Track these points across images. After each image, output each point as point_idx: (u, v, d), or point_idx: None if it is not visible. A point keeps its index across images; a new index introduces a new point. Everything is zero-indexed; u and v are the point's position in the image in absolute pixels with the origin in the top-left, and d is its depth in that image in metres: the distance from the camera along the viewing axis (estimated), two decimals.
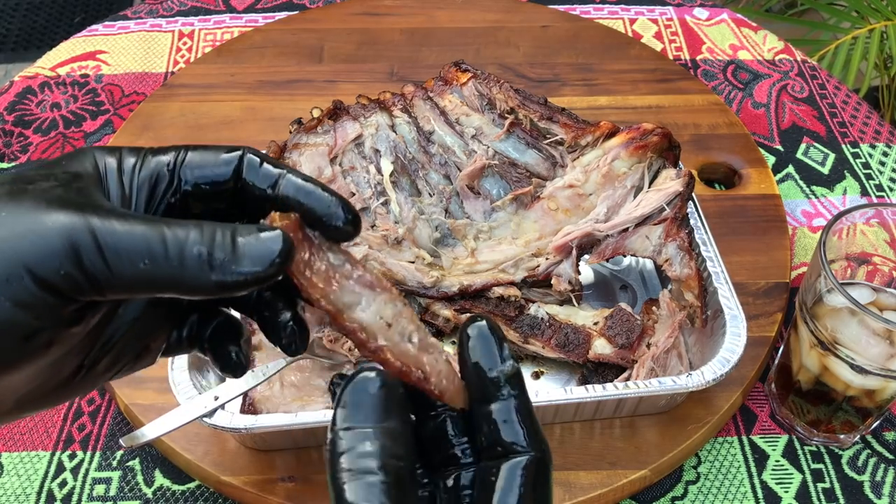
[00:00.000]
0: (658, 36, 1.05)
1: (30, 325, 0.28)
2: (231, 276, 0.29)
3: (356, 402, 0.30)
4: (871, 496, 0.62)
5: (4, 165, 0.88)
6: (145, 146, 0.34)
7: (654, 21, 1.07)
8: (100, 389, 0.68)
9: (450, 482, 0.32)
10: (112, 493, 0.61)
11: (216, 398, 0.55)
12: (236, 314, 0.38)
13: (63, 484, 0.62)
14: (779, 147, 0.90)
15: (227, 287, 0.29)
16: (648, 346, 0.63)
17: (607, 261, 0.67)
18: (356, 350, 0.65)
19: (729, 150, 0.86)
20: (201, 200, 0.33)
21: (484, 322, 0.33)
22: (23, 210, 0.28)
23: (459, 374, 0.33)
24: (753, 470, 0.63)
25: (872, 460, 0.64)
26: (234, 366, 0.36)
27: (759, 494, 0.62)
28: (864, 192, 0.85)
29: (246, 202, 0.33)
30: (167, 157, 0.33)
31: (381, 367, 0.31)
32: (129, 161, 0.32)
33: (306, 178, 0.33)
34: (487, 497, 0.31)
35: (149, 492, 0.61)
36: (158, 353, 0.36)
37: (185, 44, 1.03)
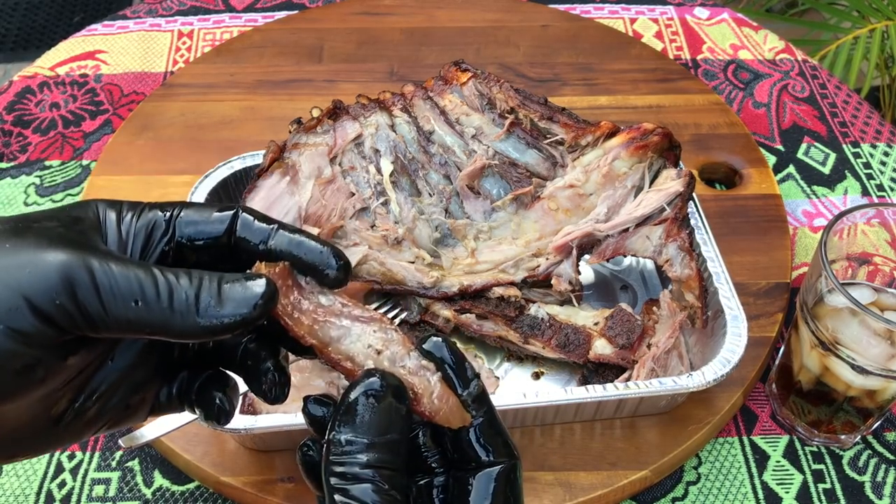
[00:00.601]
0: (658, 35, 1.04)
1: (26, 354, 0.29)
2: (216, 318, 0.30)
3: (363, 413, 0.31)
4: (872, 497, 0.61)
5: (4, 165, 0.87)
6: (144, 202, 0.35)
7: (655, 21, 1.07)
8: None
9: (421, 483, 0.35)
10: (111, 493, 0.61)
11: None
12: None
13: (62, 484, 0.62)
14: (779, 147, 0.90)
15: (212, 330, 0.30)
16: (649, 346, 0.63)
17: (607, 261, 0.67)
18: None
19: (729, 149, 0.86)
20: (195, 252, 0.35)
21: (442, 343, 0.34)
22: (25, 245, 0.30)
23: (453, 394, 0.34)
24: (754, 470, 0.63)
25: (873, 461, 0.64)
26: (218, 412, 0.37)
27: (760, 495, 0.61)
28: (865, 192, 0.85)
29: (240, 255, 0.35)
30: (165, 212, 0.35)
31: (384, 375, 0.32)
32: (129, 212, 0.34)
33: (296, 230, 0.35)
34: (463, 499, 0.33)
35: (148, 492, 0.61)
36: (147, 407, 0.37)
37: (184, 43, 1.03)
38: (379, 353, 0.33)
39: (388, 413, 0.31)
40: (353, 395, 0.31)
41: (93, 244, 0.31)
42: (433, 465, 0.35)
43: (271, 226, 0.35)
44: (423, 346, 0.34)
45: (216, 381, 0.38)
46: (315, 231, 0.65)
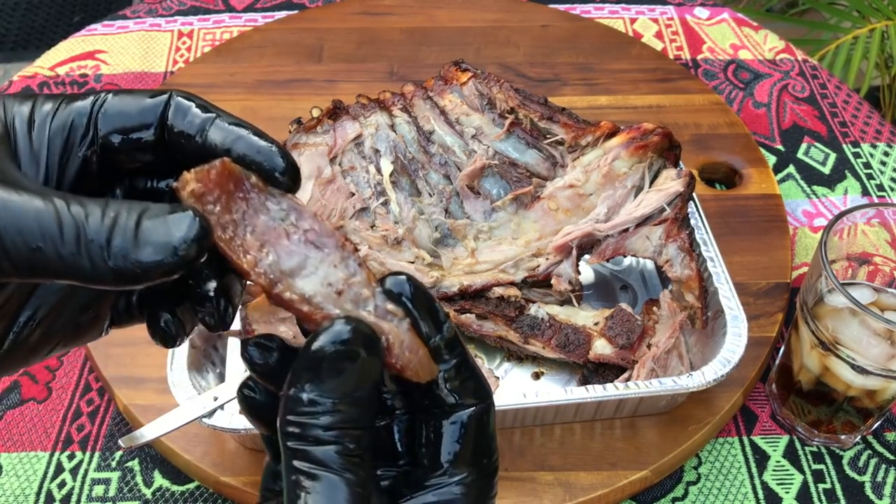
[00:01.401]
0: (658, 35, 1.04)
1: None
2: (130, 265, 0.25)
3: (329, 368, 0.26)
4: (872, 497, 0.61)
5: None
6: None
7: (655, 20, 1.07)
8: (99, 390, 0.68)
9: (380, 425, 0.31)
10: (111, 493, 0.61)
11: (215, 398, 0.54)
12: None
13: (62, 485, 0.62)
14: (780, 147, 0.90)
15: (125, 278, 0.25)
16: (649, 346, 0.62)
17: (607, 261, 0.67)
18: None
19: (730, 149, 0.86)
20: (123, 153, 0.30)
21: (406, 281, 0.29)
22: None
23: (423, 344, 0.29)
24: (754, 470, 0.63)
25: (873, 461, 0.64)
26: (163, 336, 0.31)
27: (760, 495, 0.61)
28: (865, 192, 0.85)
29: (174, 153, 0.30)
30: (84, 103, 0.29)
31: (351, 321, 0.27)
32: (44, 109, 0.29)
33: (237, 123, 0.29)
34: (436, 447, 0.29)
35: (148, 492, 0.61)
36: (104, 322, 0.33)
37: (184, 43, 1.03)
38: (340, 293, 0.27)
39: (359, 368, 0.26)
40: (316, 346, 0.26)
41: None
42: (395, 406, 0.31)
43: (210, 114, 0.29)
44: (386, 285, 0.28)
45: (169, 297, 0.32)
46: None
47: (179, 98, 0.30)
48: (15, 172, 0.27)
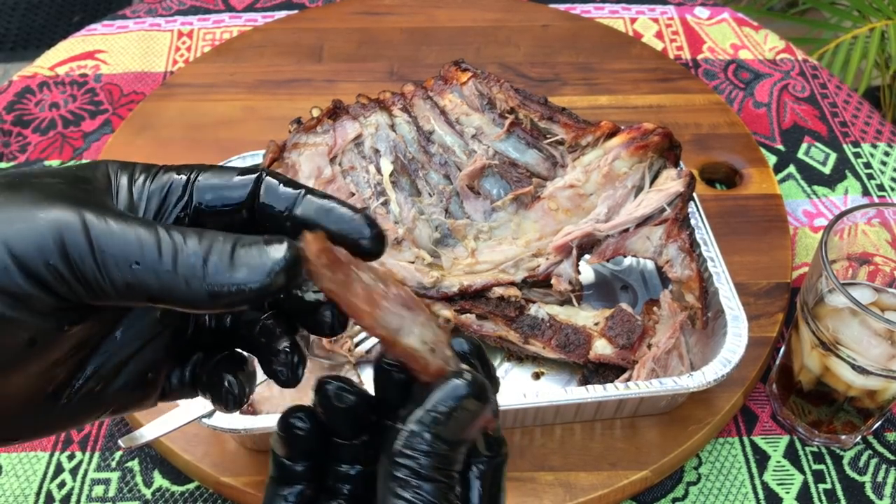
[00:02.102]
0: (659, 35, 1.04)
1: (19, 320, 0.26)
2: (227, 286, 0.27)
3: (453, 414, 0.29)
4: (873, 497, 0.61)
5: (4, 165, 0.87)
6: (157, 164, 0.33)
7: (655, 20, 1.07)
8: None
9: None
10: (111, 493, 0.61)
11: None
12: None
13: (62, 485, 0.62)
14: (780, 147, 0.90)
15: (222, 298, 0.27)
16: (649, 346, 0.62)
17: (607, 261, 0.67)
18: (355, 350, 0.65)
19: (730, 149, 0.86)
20: (214, 217, 0.32)
21: (466, 342, 0.32)
22: (19, 200, 0.27)
23: None
24: (754, 471, 0.63)
25: (874, 461, 0.64)
26: (226, 396, 0.34)
27: (760, 495, 0.61)
28: (866, 192, 0.85)
29: (263, 223, 0.32)
30: (181, 175, 0.31)
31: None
32: (142, 174, 0.31)
33: (325, 196, 0.31)
34: (464, 495, 0.31)
35: (148, 493, 0.61)
36: (157, 391, 0.35)
37: (184, 43, 1.03)
38: (433, 351, 0.30)
39: (473, 415, 0.29)
40: (443, 393, 0.29)
41: (96, 200, 0.28)
42: None
43: (298, 191, 0.31)
44: (454, 347, 0.31)
45: (230, 362, 0.34)
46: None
47: (269, 178, 0.32)
48: (117, 207, 0.29)
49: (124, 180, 0.31)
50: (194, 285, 0.27)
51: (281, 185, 0.31)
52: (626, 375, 0.62)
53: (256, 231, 0.31)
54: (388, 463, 0.28)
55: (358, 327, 0.66)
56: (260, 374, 0.56)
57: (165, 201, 0.31)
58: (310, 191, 0.32)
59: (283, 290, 0.27)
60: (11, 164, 0.87)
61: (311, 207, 0.31)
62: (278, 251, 0.27)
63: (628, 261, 0.74)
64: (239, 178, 0.32)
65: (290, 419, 0.31)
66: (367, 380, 0.65)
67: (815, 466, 0.63)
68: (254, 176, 0.32)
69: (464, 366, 0.31)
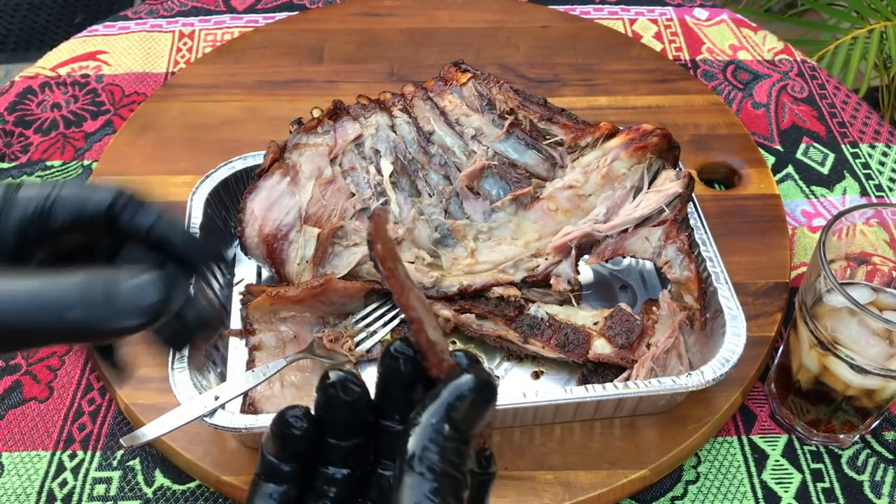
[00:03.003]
0: (658, 36, 1.05)
1: None
2: (109, 333, 0.31)
3: (467, 410, 0.30)
4: (871, 496, 0.62)
5: (5, 165, 0.88)
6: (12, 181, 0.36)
7: (654, 21, 1.07)
8: (100, 389, 0.68)
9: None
10: (112, 492, 0.61)
11: (216, 398, 0.55)
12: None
13: (63, 484, 0.62)
14: (778, 147, 0.90)
15: (108, 338, 0.32)
16: (648, 346, 0.63)
17: (606, 261, 0.67)
18: (355, 350, 0.65)
19: (729, 150, 0.86)
20: (74, 232, 0.36)
21: (463, 356, 0.33)
22: None
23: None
24: (753, 470, 0.63)
25: (872, 460, 0.64)
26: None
27: (759, 494, 0.62)
28: (864, 193, 0.85)
29: (122, 237, 0.36)
30: (29, 209, 0.35)
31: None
32: None
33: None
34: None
35: (149, 491, 0.62)
36: None
37: (185, 44, 1.03)
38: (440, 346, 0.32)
39: (484, 409, 0.30)
40: (456, 387, 0.30)
41: None
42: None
43: (153, 213, 0.37)
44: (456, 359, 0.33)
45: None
46: (315, 232, 0.65)
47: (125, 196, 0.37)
48: None
49: None
50: (80, 332, 0.31)
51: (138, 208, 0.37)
52: (625, 375, 0.62)
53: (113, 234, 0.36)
54: (403, 461, 0.29)
55: (359, 326, 0.67)
56: (261, 375, 0.57)
57: (24, 241, 0.35)
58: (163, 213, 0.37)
59: (158, 322, 0.32)
60: (14, 164, 0.88)
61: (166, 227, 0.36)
62: (150, 292, 0.31)
63: (627, 260, 0.74)
64: (92, 208, 0.36)
65: (286, 417, 0.32)
66: (367, 379, 0.65)
67: (813, 465, 0.63)
68: (108, 197, 0.36)
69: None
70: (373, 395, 0.33)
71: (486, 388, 0.30)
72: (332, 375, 0.32)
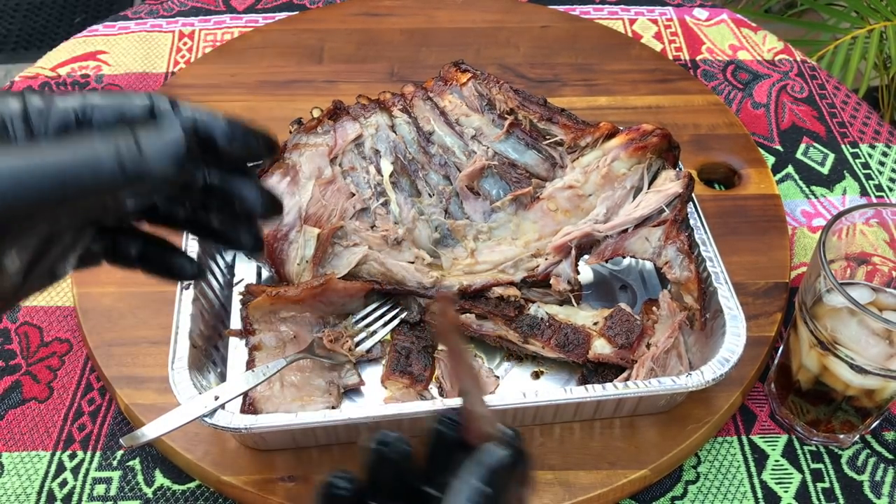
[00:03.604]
0: (658, 36, 1.05)
1: None
2: (145, 181, 0.30)
3: (501, 474, 0.33)
4: (871, 496, 0.62)
5: None
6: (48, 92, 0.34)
7: (654, 21, 1.07)
8: (100, 389, 0.68)
9: None
10: (112, 492, 0.61)
11: (216, 398, 0.55)
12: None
13: (63, 484, 0.62)
14: (778, 147, 0.90)
15: (146, 191, 0.31)
16: (648, 346, 0.63)
17: (606, 261, 0.67)
18: (355, 350, 0.65)
19: (729, 150, 0.86)
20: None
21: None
22: None
23: None
24: (753, 470, 0.63)
25: (872, 460, 0.64)
26: (181, 269, 0.39)
27: (759, 494, 0.62)
28: (864, 193, 0.85)
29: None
30: (73, 106, 0.33)
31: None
32: (35, 104, 0.32)
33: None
34: None
35: (149, 491, 0.62)
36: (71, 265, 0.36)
37: (185, 44, 1.03)
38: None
39: (509, 477, 0.33)
40: (494, 458, 0.32)
41: None
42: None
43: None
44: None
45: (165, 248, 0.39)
46: (315, 232, 0.65)
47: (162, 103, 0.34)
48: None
49: (19, 117, 0.32)
50: (109, 170, 0.29)
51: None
52: (625, 375, 0.62)
53: None
54: None
55: (359, 326, 0.67)
56: (261, 375, 0.57)
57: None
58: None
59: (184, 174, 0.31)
60: None
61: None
62: (176, 141, 0.31)
63: (627, 260, 0.74)
64: (135, 98, 0.34)
65: (332, 480, 0.33)
66: (367, 378, 0.65)
67: (813, 465, 0.63)
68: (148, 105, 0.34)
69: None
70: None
71: (522, 456, 0.33)
72: (383, 437, 0.34)
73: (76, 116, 0.33)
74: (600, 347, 0.63)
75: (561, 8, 1.08)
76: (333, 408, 0.61)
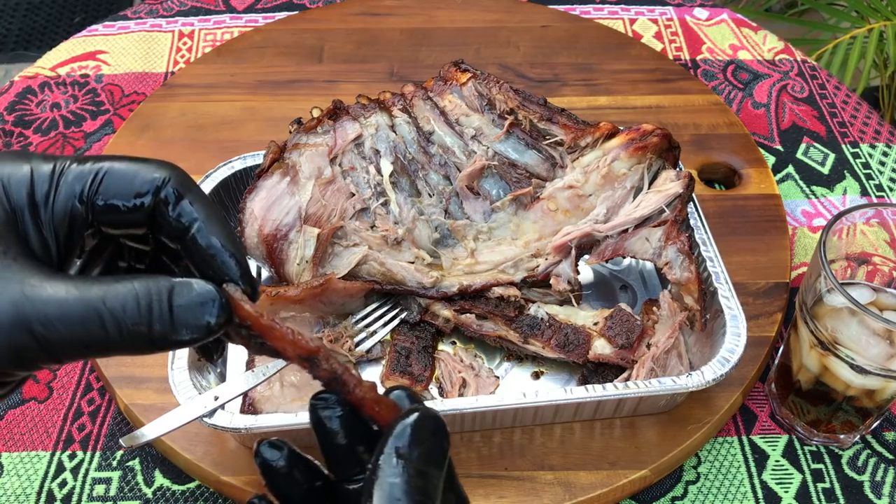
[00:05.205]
0: (658, 36, 1.05)
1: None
2: (168, 344, 0.30)
3: (415, 443, 0.30)
4: (871, 496, 0.62)
5: None
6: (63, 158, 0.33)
7: (654, 21, 1.07)
8: (100, 390, 0.68)
9: None
10: (112, 493, 0.61)
11: (216, 398, 0.55)
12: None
13: (63, 484, 0.62)
14: (779, 147, 0.90)
15: (163, 350, 0.31)
16: (648, 346, 0.63)
17: (607, 262, 0.67)
18: (355, 350, 0.65)
19: (729, 150, 0.86)
20: (115, 216, 0.33)
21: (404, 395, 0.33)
22: None
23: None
24: (753, 470, 0.63)
25: (872, 460, 0.64)
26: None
27: (759, 494, 0.62)
28: (864, 192, 0.85)
29: (159, 231, 0.34)
30: (81, 200, 0.32)
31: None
32: (43, 201, 0.32)
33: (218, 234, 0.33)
34: None
35: (149, 492, 0.61)
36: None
37: (185, 44, 1.03)
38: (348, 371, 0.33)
39: (432, 443, 0.30)
40: (401, 427, 0.30)
41: (20, 272, 0.30)
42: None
43: (196, 217, 0.33)
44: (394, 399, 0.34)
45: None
46: (315, 232, 0.65)
47: (168, 192, 0.33)
48: (35, 269, 0.30)
49: (24, 203, 0.32)
50: (140, 347, 0.30)
51: (183, 205, 0.33)
52: (625, 375, 0.62)
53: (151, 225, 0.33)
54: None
55: (359, 326, 0.66)
56: (261, 375, 0.57)
57: (72, 227, 0.33)
58: (207, 220, 0.33)
59: (218, 333, 0.31)
60: None
61: (206, 237, 0.33)
62: (213, 308, 0.30)
63: (627, 260, 0.74)
64: (135, 202, 0.33)
65: (260, 448, 0.33)
66: (367, 378, 0.65)
67: (813, 466, 0.63)
68: (153, 187, 0.33)
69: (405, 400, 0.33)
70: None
71: (431, 420, 0.30)
72: (261, 449, 0.33)
73: (81, 195, 0.32)
74: (600, 347, 0.63)
75: (561, 8, 1.08)
76: None
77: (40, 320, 0.28)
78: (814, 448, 0.64)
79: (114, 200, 0.32)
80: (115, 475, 0.63)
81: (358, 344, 0.66)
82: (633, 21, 1.07)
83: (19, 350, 0.29)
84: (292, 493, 0.33)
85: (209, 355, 0.37)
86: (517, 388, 0.65)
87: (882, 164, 0.88)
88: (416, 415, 0.30)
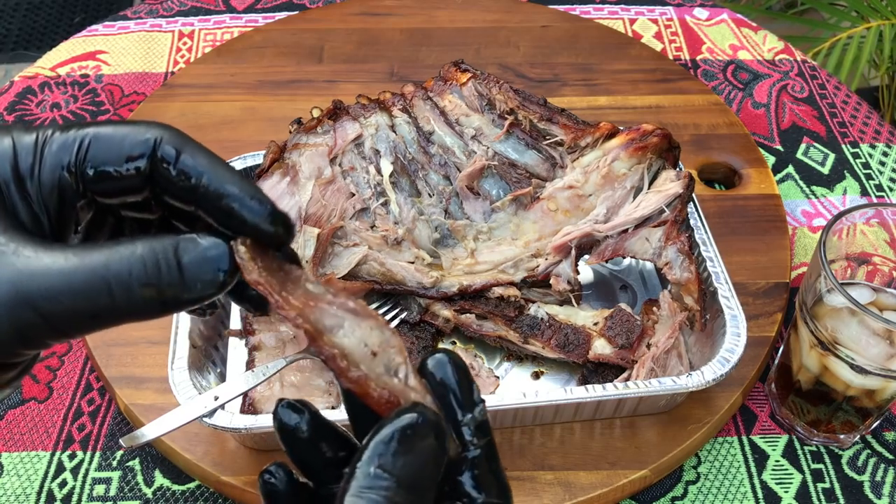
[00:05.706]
0: (658, 36, 1.05)
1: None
2: (181, 304, 0.28)
3: (399, 451, 0.26)
4: (871, 496, 0.62)
5: None
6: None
7: (654, 21, 1.07)
8: (100, 390, 0.68)
9: None
10: (112, 493, 0.61)
11: (216, 398, 0.55)
12: None
13: (63, 484, 0.62)
14: (779, 147, 0.90)
15: (175, 311, 0.29)
16: (648, 346, 0.63)
17: (607, 262, 0.67)
18: None
19: (729, 150, 0.86)
20: (110, 183, 0.31)
21: (446, 361, 0.30)
22: None
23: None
24: (753, 470, 0.63)
25: (872, 460, 0.64)
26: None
27: (759, 494, 0.62)
28: (864, 192, 0.85)
29: (162, 192, 0.31)
30: (70, 168, 0.30)
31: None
32: (26, 162, 0.30)
33: (225, 173, 0.30)
34: None
35: (149, 492, 0.61)
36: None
37: (185, 44, 1.03)
38: (375, 354, 0.29)
39: (426, 454, 0.26)
40: (389, 430, 0.26)
41: (11, 243, 0.28)
42: None
43: (201, 169, 0.30)
44: (428, 363, 0.30)
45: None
46: (315, 232, 0.65)
47: (165, 151, 0.30)
48: (28, 240, 0.28)
49: (9, 177, 0.30)
50: (153, 311, 0.28)
51: (183, 158, 0.30)
52: (625, 375, 0.62)
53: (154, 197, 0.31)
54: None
55: None
56: (261, 375, 0.57)
57: (63, 199, 0.30)
58: (212, 166, 0.30)
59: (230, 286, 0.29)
60: None
61: (216, 185, 0.30)
62: (222, 259, 0.28)
63: (627, 260, 0.74)
64: (129, 166, 0.30)
65: (263, 477, 0.31)
66: None
67: (813, 466, 0.63)
68: (149, 143, 0.30)
69: (418, 396, 0.28)
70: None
71: (426, 425, 0.26)
72: (279, 411, 0.31)
73: (69, 166, 0.30)
74: (600, 348, 0.63)
75: (561, 8, 1.08)
76: (333, 408, 0.61)
77: (42, 294, 0.27)
78: (814, 448, 0.64)
79: (104, 167, 0.30)
80: (115, 475, 0.63)
81: None
82: (633, 21, 1.07)
83: (23, 328, 0.27)
84: (313, 461, 0.31)
85: (202, 310, 0.35)
86: (517, 388, 0.65)
87: (882, 164, 0.88)
88: (408, 416, 0.26)
